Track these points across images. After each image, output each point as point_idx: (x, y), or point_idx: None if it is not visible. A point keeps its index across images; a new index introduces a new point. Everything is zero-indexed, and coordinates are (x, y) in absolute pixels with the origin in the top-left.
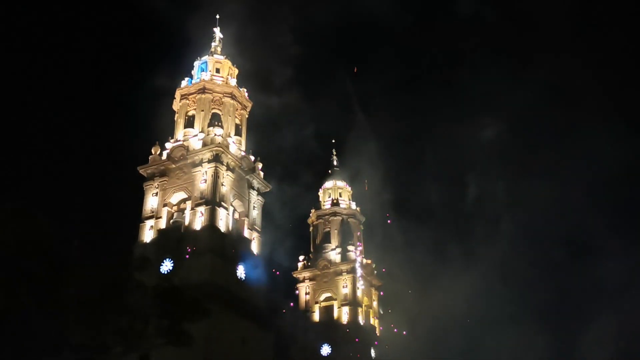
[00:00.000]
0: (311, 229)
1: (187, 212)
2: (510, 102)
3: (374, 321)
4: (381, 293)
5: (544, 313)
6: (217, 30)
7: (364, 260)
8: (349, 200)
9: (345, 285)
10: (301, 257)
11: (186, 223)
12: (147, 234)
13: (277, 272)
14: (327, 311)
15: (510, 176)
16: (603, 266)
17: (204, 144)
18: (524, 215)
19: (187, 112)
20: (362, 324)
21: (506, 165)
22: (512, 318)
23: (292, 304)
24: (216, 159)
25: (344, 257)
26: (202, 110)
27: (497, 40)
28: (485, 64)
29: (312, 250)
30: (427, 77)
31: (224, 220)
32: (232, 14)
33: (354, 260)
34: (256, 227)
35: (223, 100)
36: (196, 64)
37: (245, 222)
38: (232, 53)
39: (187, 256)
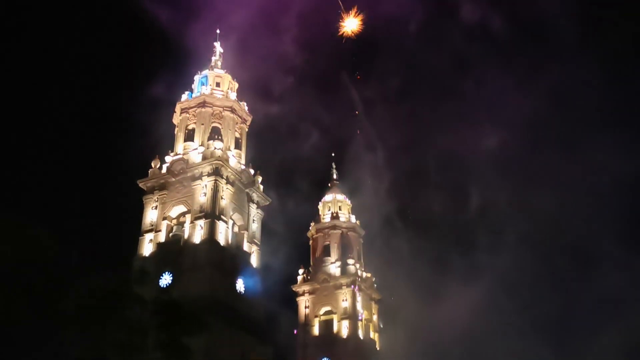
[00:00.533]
0: (311, 242)
1: (187, 226)
2: (514, 111)
3: (373, 335)
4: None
5: (549, 325)
6: (217, 44)
7: (364, 274)
8: (349, 213)
9: (345, 299)
10: (301, 271)
11: (185, 236)
12: (147, 247)
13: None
14: (327, 325)
15: (514, 186)
16: (609, 276)
17: (204, 158)
18: (528, 225)
19: (187, 125)
20: (361, 337)
21: (509, 175)
22: (516, 330)
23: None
24: (216, 172)
25: (344, 271)
26: (202, 124)
27: (503, 49)
28: (489, 72)
29: (311, 263)
30: (430, 85)
31: (224, 234)
32: (232, 28)
33: (354, 274)
34: (255, 241)
35: (223, 114)
36: (196, 78)
37: (245, 236)
38: (232, 65)
39: (186, 270)
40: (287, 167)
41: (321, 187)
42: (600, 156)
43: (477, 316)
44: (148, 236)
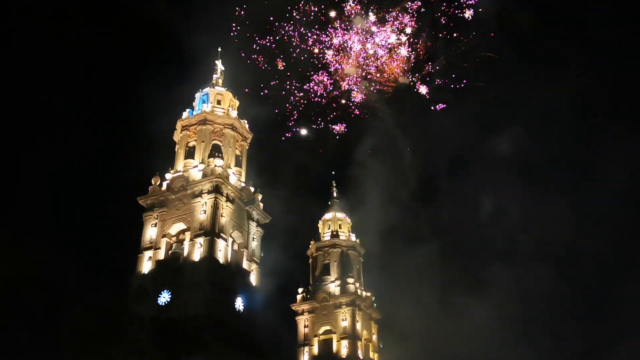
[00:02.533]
0: (310, 260)
1: (186, 243)
2: (533, 111)
3: (373, 355)
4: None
5: (569, 337)
6: (218, 62)
7: (364, 293)
8: (349, 232)
9: (344, 319)
10: (300, 290)
11: (185, 254)
12: (146, 265)
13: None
14: (326, 344)
15: (530, 192)
16: (633, 286)
17: (204, 175)
18: (544, 233)
19: (187, 143)
20: (361, 358)
21: (525, 180)
22: (533, 343)
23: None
24: (216, 190)
25: (344, 290)
26: (203, 142)
27: (524, 44)
28: (508, 68)
29: (311, 282)
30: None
31: (223, 252)
32: (233, 46)
33: (354, 293)
34: (255, 259)
35: (224, 131)
36: (197, 95)
37: (244, 254)
38: (233, 83)
39: (185, 288)
40: (287, 185)
41: (321, 205)
42: (624, 161)
43: (490, 330)
44: (147, 254)
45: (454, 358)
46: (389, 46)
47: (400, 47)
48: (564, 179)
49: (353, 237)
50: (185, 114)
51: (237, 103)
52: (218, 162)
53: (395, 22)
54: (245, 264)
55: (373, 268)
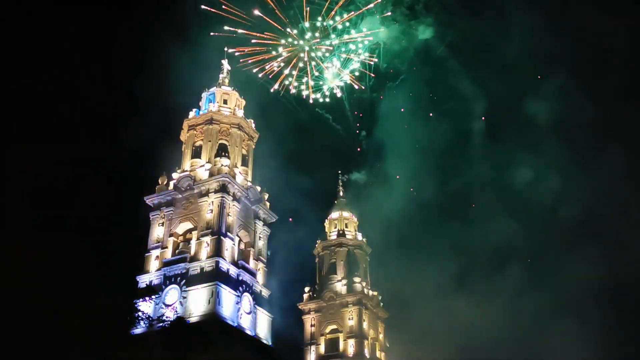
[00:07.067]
0: (317, 259)
1: (193, 242)
2: (584, 66)
3: (380, 354)
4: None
5: (610, 332)
6: (224, 62)
7: (370, 292)
8: (355, 231)
9: (351, 318)
10: (307, 289)
11: (192, 253)
12: (153, 264)
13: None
14: (333, 344)
15: (572, 156)
16: None
17: (211, 174)
18: (588, 206)
19: (194, 142)
20: (367, 357)
21: (568, 142)
22: (563, 336)
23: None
24: (222, 189)
25: (350, 289)
26: (209, 141)
27: None
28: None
29: (317, 281)
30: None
31: (230, 251)
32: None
33: (360, 292)
34: (262, 258)
35: (230, 131)
36: (204, 95)
37: (251, 253)
38: (238, 83)
39: (192, 287)
40: (294, 185)
41: (328, 205)
42: None
43: (508, 322)
44: (154, 253)
45: (462, 355)
46: None
47: None
48: (616, 143)
49: (359, 236)
50: (192, 114)
51: (243, 102)
52: (224, 161)
53: None
54: (252, 263)
55: (382, 265)
